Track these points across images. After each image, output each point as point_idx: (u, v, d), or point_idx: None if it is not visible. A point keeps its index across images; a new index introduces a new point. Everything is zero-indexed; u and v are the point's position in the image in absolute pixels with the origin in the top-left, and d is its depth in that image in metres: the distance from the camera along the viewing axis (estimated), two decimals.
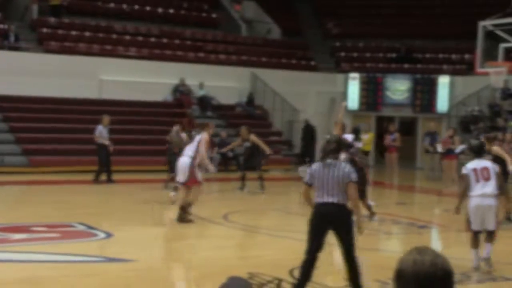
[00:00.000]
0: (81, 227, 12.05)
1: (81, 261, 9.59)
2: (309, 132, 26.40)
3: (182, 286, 8.49)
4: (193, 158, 12.96)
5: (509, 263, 10.56)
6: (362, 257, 10.77)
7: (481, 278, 9.14)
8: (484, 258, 9.49)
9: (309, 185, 7.69)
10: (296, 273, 8.81)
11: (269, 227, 12.75)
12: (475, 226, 9.49)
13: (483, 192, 9.34)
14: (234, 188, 19.09)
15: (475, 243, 9.51)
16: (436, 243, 12.95)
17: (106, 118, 19.12)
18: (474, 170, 9.48)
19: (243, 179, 18.36)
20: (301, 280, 7.79)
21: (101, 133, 18.96)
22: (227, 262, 9.79)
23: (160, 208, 15.73)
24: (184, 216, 12.84)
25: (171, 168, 16.37)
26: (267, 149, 18.64)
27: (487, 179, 9.42)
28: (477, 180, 9.41)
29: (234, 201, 17.19)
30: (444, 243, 13.04)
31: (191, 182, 12.98)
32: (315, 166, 7.73)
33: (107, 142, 18.94)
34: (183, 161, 13.08)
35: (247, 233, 12.51)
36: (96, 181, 18.75)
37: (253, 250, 11.23)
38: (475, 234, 9.51)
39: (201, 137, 13.15)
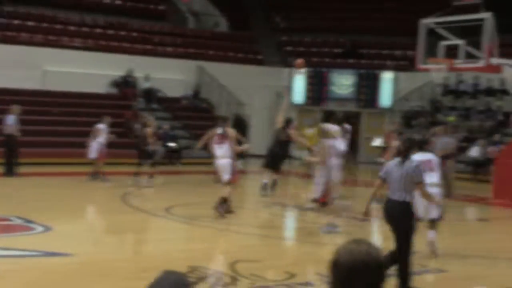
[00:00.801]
0: (18, 221, 11.86)
1: (19, 256, 9.44)
2: (240, 125, 26.35)
3: (122, 279, 8.45)
4: (231, 157, 13.25)
5: (445, 254, 10.79)
6: (305, 250, 10.91)
7: (418, 270, 9.33)
8: (429, 241, 10.26)
9: (383, 179, 8.21)
10: (238, 267, 8.87)
11: (211, 220, 12.76)
12: (419, 214, 9.79)
13: (429, 182, 9.72)
14: (177, 181, 19.07)
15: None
16: (376, 235, 13.15)
17: (16, 108, 18.83)
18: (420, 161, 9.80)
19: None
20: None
21: (12, 122, 18.58)
22: (169, 255, 9.78)
23: (102, 201, 15.64)
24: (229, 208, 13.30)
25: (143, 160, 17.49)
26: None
27: (431, 169, 10.12)
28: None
29: (177, 194, 17.16)
30: (384, 235, 13.25)
31: (234, 179, 13.40)
32: (392, 163, 8.29)
33: (17, 133, 18.60)
34: (224, 162, 13.23)
35: (190, 226, 12.51)
36: (16, 174, 18.39)
37: (195, 243, 11.23)
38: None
39: (229, 134, 13.32)
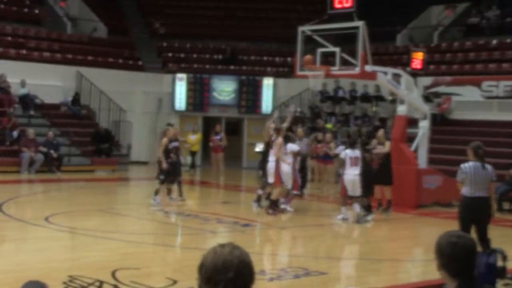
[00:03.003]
0: None
1: None
2: (102, 136, 26.00)
3: None
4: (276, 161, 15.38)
5: (326, 257, 11.10)
6: (187, 256, 10.91)
7: (297, 274, 9.55)
8: (356, 213, 14.63)
9: (461, 182, 9.78)
10: (119, 275, 8.78)
11: (92, 228, 12.56)
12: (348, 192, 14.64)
13: (354, 173, 14.45)
14: (58, 189, 18.62)
15: (344, 203, 14.85)
16: (258, 241, 13.34)
17: None
18: (350, 157, 14.54)
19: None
20: None
21: None
22: (48, 265, 9.54)
23: None
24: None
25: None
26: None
27: (356, 164, 14.52)
28: (351, 164, 14.49)
29: (58, 202, 16.78)
30: (266, 240, 13.47)
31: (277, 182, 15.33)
32: (468, 166, 9.74)
33: None
34: (270, 166, 15.46)
35: (70, 235, 12.27)
36: None
37: (75, 252, 11.02)
38: (346, 197, 14.77)
39: (276, 142, 15.39)
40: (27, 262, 9.90)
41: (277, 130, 15.60)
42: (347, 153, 14.73)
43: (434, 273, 4.38)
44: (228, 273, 2.71)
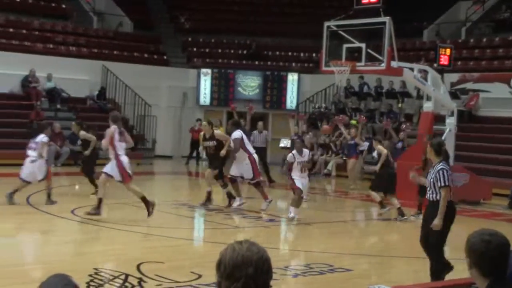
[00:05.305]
0: None
1: None
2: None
3: (22, 283, 8.22)
4: None
5: (351, 253, 11.03)
6: (211, 251, 10.91)
7: (322, 270, 9.51)
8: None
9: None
10: (143, 268, 8.81)
11: (116, 221, 12.61)
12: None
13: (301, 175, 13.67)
14: (84, 182, 18.70)
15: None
16: (281, 236, 13.32)
17: None
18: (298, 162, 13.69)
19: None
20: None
21: None
22: (73, 258, 9.61)
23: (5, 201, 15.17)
24: None
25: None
26: None
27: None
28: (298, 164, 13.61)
29: (82, 196, 16.85)
30: (290, 235, 13.44)
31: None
32: (448, 168, 8.26)
33: None
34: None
35: (95, 228, 12.31)
36: None
37: (100, 245, 11.08)
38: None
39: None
40: (54, 254, 9.97)
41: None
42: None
43: (462, 272, 4.35)
44: (248, 269, 2.72)
